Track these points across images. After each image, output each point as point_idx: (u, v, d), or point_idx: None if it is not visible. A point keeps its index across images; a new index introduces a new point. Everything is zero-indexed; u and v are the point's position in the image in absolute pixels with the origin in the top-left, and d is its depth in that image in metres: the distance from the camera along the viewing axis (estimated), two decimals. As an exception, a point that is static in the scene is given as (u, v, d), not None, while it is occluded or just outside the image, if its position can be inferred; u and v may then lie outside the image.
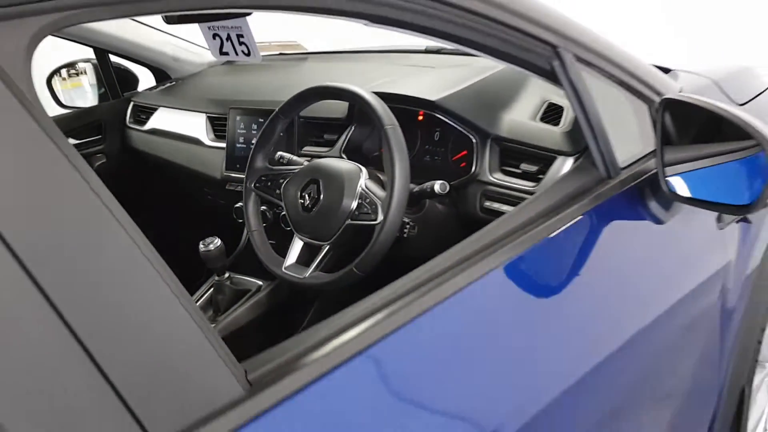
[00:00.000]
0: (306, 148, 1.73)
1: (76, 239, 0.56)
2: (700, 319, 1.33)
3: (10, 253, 0.52)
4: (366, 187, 1.30)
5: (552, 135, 1.33)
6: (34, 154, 0.56)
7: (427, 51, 2.04)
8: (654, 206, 1.18)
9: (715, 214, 1.33)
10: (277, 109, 1.47)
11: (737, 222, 1.41)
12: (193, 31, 2.17)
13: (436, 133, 1.55)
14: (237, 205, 1.74)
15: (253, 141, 1.66)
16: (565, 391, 0.92)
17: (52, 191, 0.56)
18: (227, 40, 1.72)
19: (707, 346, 1.40)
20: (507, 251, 0.93)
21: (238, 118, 1.86)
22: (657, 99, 1.19)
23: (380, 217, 1.24)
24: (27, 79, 0.58)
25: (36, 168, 0.56)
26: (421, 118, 1.57)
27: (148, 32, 2.16)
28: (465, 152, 1.49)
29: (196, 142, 2.00)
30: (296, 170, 1.43)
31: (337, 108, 1.66)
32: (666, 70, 1.55)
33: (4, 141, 0.54)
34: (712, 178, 1.09)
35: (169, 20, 1.38)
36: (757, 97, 1.71)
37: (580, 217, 1.05)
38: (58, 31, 0.70)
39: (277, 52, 2.45)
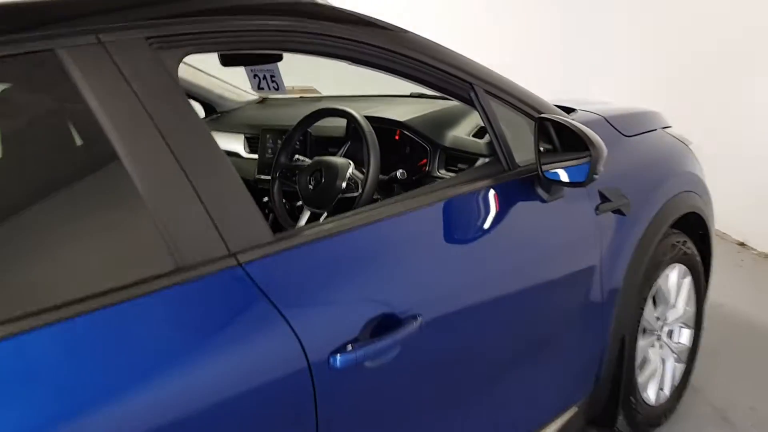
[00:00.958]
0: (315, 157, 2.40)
1: (209, 168, 1.20)
2: (582, 275, 1.93)
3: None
4: (352, 172, 1.95)
5: (477, 145, 1.98)
6: (192, 120, 1.21)
7: (411, 95, 2.71)
8: (539, 189, 1.80)
9: (594, 204, 1.94)
10: (296, 123, 2.14)
11: (612, 212, 2.02)
12: (233, 75, 2.88)
13: (407, 148, 2.20)
14: (264, 200, 2.39)
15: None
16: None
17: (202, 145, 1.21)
18: (263, 78, 2.42)
19: (590, 298, 1.99)
20: (432, 197, 1.55)
21: (268, 136, 2.54)
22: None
23: (359, 191, 1.89)
24: (177, 78, 1.23)
25: (194, 130, 1.21)
26: (397, 137, 2.23)
27: (201, 75, 2.85)
28: (425, 161, 2.14)
29: (235, 155, 2.68)
30: (307, 163, 2.09)
31: (338, 129, 2.32)
32: (570, 110, 2.19)
33: (180, 109, 1.19)
34: (569, 170, 1.71)
35: (225, 62, 2.05)
36: (644, 134, 2.34)
37: (485, 189, 1.68)
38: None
39: (298, 95, 3.13)
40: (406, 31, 1.61)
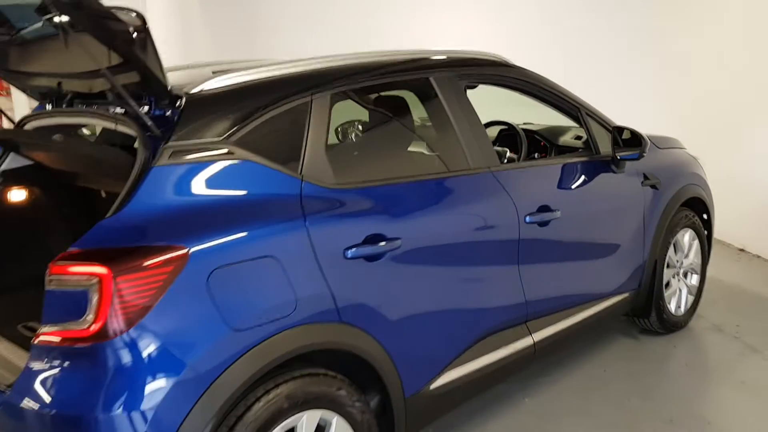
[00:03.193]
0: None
1: (479, 135, 2.83)
2: (632, 221, 3.49)
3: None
4: (509, 155, 3.55)
5: (577, 143, 3.58)
6: (470, 109, 2.85)
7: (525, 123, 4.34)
8: (612, 166, 3.38)
9: (641, 180, 3.52)
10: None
11: (650, 187, 3.59)
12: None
13: (536, 144, 3.79)
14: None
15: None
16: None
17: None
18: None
19: (637, 235, 3.54)
20: (558, 161, 3.15)
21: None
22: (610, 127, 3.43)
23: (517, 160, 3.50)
24: (464, 92, 2.86)
25: (471, 113, 2.84)
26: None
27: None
28: (545, 153, 3.74)
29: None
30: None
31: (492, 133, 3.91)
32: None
33: (465, 105, 2.83)
34: (630, 155, 3.32)
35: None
36: (669, 148, 3.93)
37: (584, 162, 3.27)
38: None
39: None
40: (546, 79, 3.24)
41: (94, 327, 1.74)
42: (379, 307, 2.27)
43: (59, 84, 2.49)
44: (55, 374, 1.78)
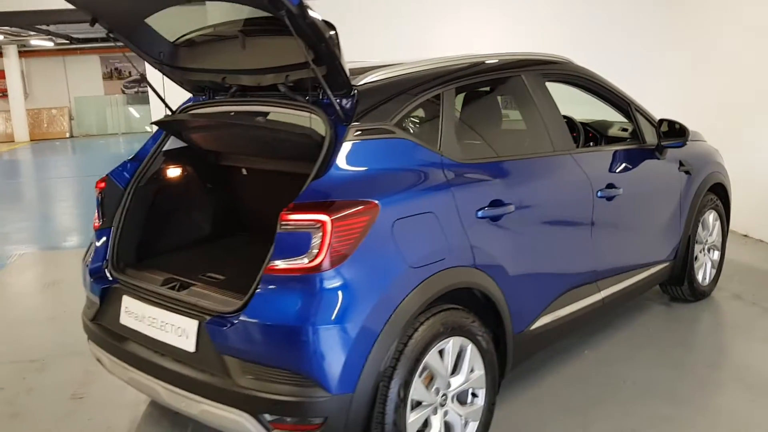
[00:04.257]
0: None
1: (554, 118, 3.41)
2: (671, 200, 4.10)
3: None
4: None
5: (624, 135, 4.17)
6: (550, 98, 3.43)
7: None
8: (656, 153, 3.98)
9: (677, 166, 4.13)
10: None
11: (684, 173, 4.20)
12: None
13: (588, 135, 4.37)
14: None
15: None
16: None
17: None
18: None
19: (675, 213, 4.15)
20: (610, 148, 3.74)
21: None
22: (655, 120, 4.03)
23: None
24: (546, 86, 3.44)
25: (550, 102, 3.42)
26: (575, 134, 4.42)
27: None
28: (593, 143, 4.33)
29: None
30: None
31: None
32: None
33: (547, 96, 3.42)
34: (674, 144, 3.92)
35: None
36: (697, 141, 4.54)
37: (632, 149, 3.86)
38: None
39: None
40: (603, 78, 3.83)
41: (315, 261, 2.27)
42: (499, 258, 2.82)
43: (223, 79, 3.02)
44: (281, 297, 2.31)
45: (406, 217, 2.49)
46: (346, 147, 2.49)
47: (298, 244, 2.30)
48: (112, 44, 3.08)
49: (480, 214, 2.76)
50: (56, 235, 8.14)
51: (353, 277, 2.32)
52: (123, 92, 24.04)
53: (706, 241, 4.57)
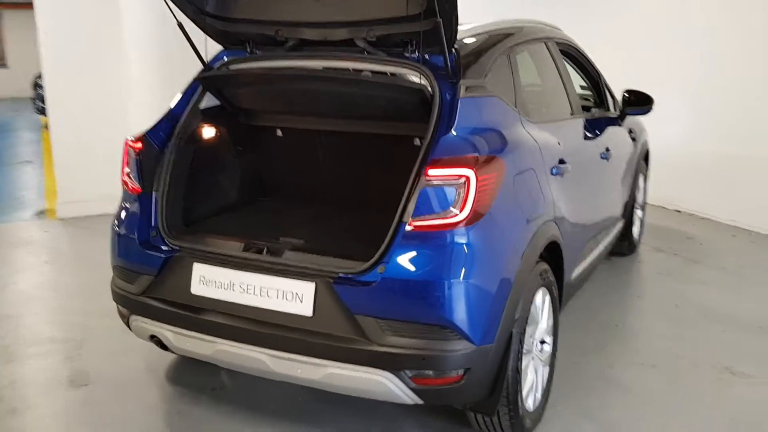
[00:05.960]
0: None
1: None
2: (630, 163, 4.57)
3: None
4: None
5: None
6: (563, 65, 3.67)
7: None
8: (619, 121, 4.41)
9: (628, 132, 4.61)
10: None
11: (632, 139, 4.70)
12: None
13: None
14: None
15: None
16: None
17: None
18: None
19: (627, 174, 4.62)
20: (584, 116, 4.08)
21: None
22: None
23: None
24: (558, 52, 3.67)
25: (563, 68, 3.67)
26: None
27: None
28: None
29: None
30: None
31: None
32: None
33: (559, 60, 3.66)
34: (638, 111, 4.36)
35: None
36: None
37: (601, 118, 4.23)
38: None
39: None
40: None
41: (461, 216, 2.29)
42: (563, 212, 3.02)
43: (277, 32, 2.85)
44: (426, 253, 2.30)
45: (520, 173, 2.59)
46: (463, 104, 2.51)
47: (441, 200, 2.30)
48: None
49: (554, 170, 2.93)
50: None
51: (492, 231, 2.37)
52: None
53: (637, 199, 5.15)
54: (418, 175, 2.34)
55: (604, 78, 4.34)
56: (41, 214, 6.51)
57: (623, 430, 2.84)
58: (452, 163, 2.32)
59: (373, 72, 2.73)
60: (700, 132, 6.55)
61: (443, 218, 2.30)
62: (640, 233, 5.29)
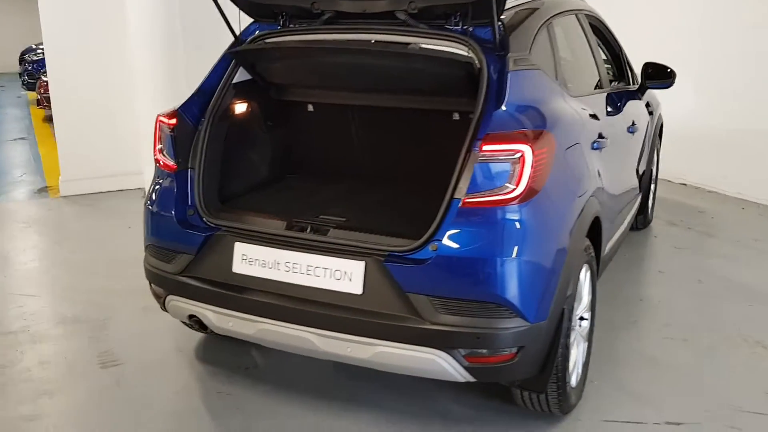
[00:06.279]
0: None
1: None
2: (647, 137, 4.54)
3: None
4: None
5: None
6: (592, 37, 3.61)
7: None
8: (638, 94, 4.37)
9: (645, 105, 4.58)
10: None
11: (649, 113, 4.67)
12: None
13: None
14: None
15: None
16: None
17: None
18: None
19: (648, 137, 4.58)
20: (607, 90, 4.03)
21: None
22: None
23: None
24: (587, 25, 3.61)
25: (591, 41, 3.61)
26: None
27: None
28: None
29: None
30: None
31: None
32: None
33: (588, 33, 3.60)
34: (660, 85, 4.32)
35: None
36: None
37: (623, 92, 4.19)
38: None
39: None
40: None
41: (516, 192, 2.25)
42: (602, 188, 2.99)
43: (313, 4, 2.77)
44: (481, 230, 2.26)
45: (569, 148, 2.55)
46: (512, 78, 2.46)
47: (497, 176, 2.26)
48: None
49: (595, 145, 2.90)
50: None
51: (546, 206, 2.34)
52: None
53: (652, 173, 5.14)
54: (469, 151, 2.29)
55: (625, 51, 4.29)
56: (42, 191, 6.40)
57: (661, 403, 2.85)
58: (507, 138, 2.27)
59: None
60: (706, 105, 6.54)
61: (498, 194, 2.26)
62: (653, 207, 5.29)
